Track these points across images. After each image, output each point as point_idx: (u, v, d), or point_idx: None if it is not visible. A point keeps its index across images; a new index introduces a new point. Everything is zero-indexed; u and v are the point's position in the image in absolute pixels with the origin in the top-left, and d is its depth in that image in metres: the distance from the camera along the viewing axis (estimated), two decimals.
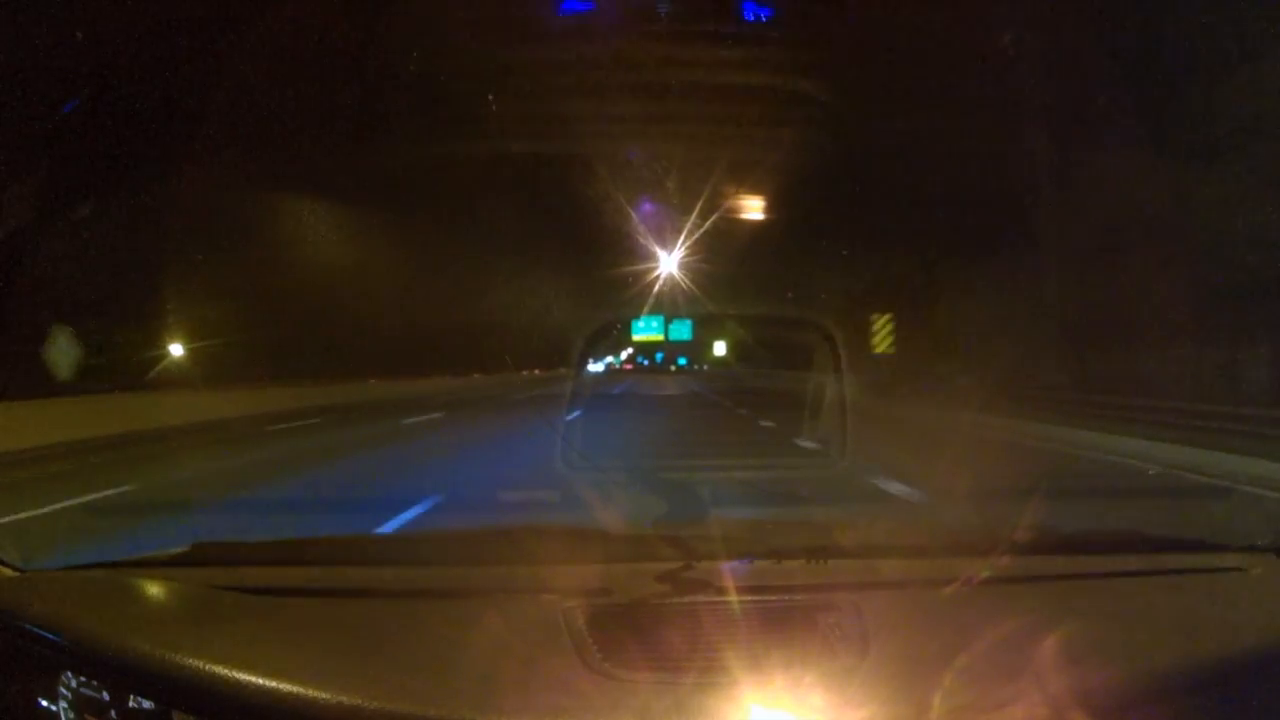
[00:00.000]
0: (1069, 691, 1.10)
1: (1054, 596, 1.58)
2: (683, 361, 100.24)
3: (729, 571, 1.55)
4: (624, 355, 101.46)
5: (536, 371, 54.93)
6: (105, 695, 1.19)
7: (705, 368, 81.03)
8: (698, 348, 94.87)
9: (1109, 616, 1.46)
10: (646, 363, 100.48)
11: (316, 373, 23.06)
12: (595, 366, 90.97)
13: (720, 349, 76.71)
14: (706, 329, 78.07)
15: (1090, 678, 1.16)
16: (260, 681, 1.19)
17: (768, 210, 18.79)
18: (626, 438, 11.55)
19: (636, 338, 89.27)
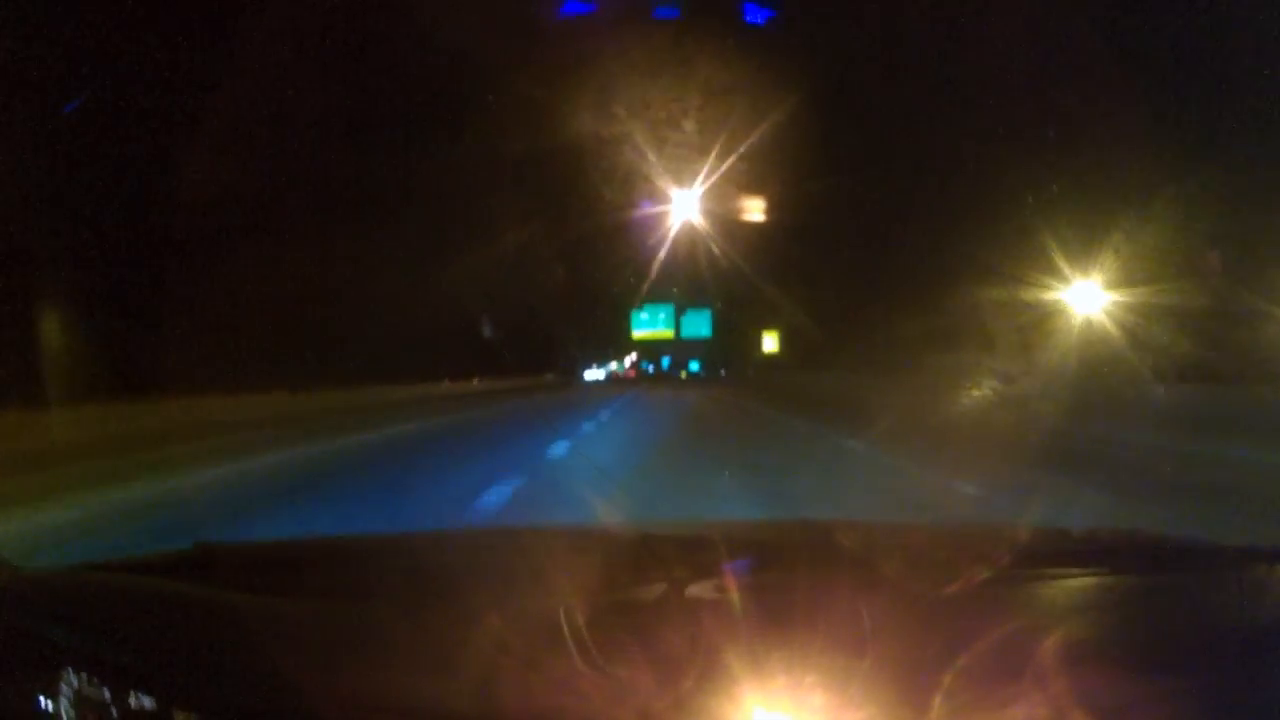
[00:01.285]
0: (1069, 692, 1.10)
1: (1054, 596, 1.58)
2: (695, 367, 75.96)
3: (730, 571, 1.54)
4: (628, 361, 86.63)
5: (475, 382, 39.02)
6: (106, 694, 1.19)
7: (751, 373, 54.22)
8: (722, 347, 68.54)
9: (1109, 616, 1.46)
10: (651, 369, 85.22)
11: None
12: (596, 374, 79.82)
13: (770, 344, 53.65)
14: (747, 316, 52.75)
15: (1090, 678, 1.16)
16: (261, 681, 1.20)
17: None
18: None
19: (637, 335, 72.83)
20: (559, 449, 11.37)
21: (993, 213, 17.13)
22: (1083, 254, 14.64)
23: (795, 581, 1.57)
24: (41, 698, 1.21)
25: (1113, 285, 14.49)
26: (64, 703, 1.19)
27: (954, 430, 12.40)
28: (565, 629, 1.31)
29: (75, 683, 1.20)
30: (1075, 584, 1.65)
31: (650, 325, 69.08)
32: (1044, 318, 15.35)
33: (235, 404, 18.70)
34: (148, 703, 1.16)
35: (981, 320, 17.74)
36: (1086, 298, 14.87)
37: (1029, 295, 15.52)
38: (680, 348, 74.28)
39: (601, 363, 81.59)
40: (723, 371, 66.07)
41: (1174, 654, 1.31)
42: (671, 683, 1.16)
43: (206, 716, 1.15)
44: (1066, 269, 14.84)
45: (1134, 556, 1.77)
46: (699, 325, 68.06)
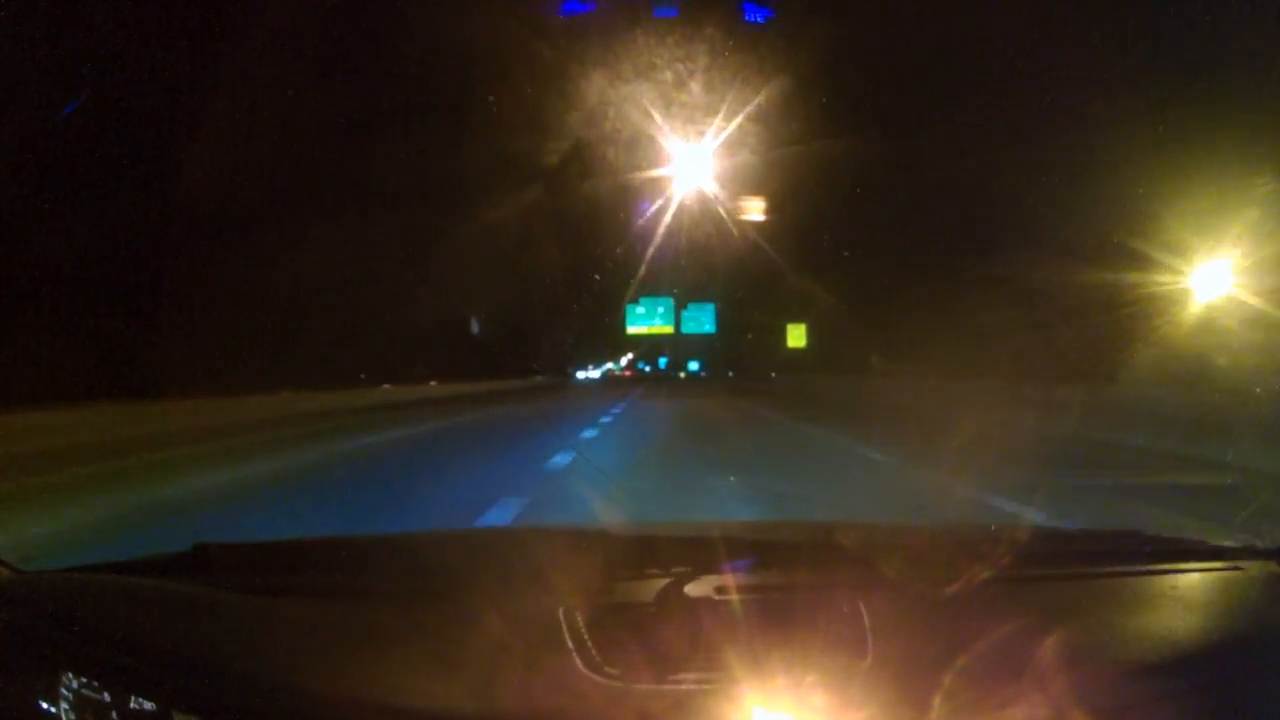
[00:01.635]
0: (1069, 692, 1.10)
1: (1054, 596, 1.58)
2: (694, 367, 72.47)
3: (730, 571, 1.54)
4: (624, 360, 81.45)
5: (433, 384, 31.45)
6: (106, 696, 1.19)
7: (774, 375, 44.29)
8: (726, 344, 62.44)
9: (1109, 616, 1.46)
10: (648, 369, 75.41)
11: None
12: (591, 374, 76.05)
13: (797, 336, 43.49)
14: (761, 311, 45.96)
15: (1090, 678, 1.16)
16: (261, 682, 1.20)
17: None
18: None
19: (633, 330, 67.72)
20: None
21: (1090, 184, 14.59)
22: (1197, 233, 11.78)
23: (795, 581, 1.57)
24: (41, 700, 1.21)
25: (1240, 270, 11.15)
26: (64, 705, 1.19)
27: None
28: (565, 629, 1.31)
29: (75, 685, 1.20)
30: (1075, 584, 1.65)
31: (647, 320, 60.66)
32: (1151, 306, 12.15)
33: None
34: (147, 704, 1.16)
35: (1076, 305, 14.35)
36: (1209, 283, 11.68)
37: (1132, 279, 12.43)
38: (680, 345, 68.18)
39: (597, 363, 76.27)
40: (730, 372, 58.08)
41: (1174, 654, 1.31)
42: (671, 683, 1.16)
43: (206, 718, 1.15)
44: (1178, 248, 11.98)
45: (1134, 556, 1.77)
46: (701, 320, 60.55)
